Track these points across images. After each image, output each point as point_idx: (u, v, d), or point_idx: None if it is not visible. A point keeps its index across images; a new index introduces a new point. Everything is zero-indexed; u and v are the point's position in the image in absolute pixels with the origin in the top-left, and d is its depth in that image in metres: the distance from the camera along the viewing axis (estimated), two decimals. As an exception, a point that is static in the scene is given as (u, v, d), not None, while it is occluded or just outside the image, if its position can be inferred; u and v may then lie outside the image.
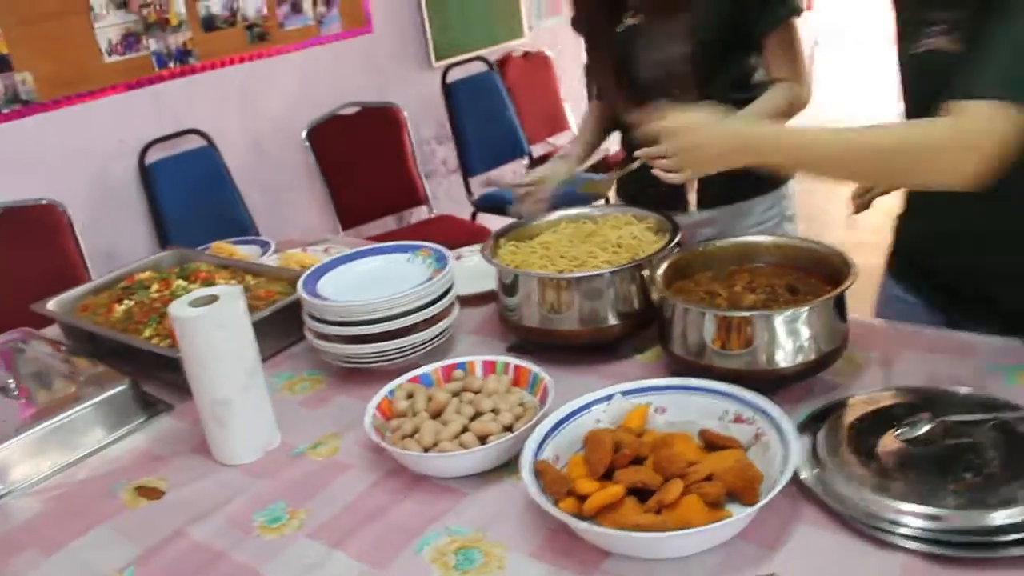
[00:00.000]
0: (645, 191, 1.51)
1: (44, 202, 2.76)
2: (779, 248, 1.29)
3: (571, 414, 1.07)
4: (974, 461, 0.92)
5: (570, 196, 1.63)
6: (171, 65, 3.04)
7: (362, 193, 3.52)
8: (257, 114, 3.34)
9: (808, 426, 1.04)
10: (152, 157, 3.03)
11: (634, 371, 1.28)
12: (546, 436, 1.03)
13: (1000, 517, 0.84)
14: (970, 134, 0.99)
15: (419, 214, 3.79)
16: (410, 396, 1.21)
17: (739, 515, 0.87)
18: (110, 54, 2.88)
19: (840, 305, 1.16)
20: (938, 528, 0.85)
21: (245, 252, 2.06)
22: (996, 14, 1.01)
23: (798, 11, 1.59)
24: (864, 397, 1.08)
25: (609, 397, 1.09)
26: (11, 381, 1.46)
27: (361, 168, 3.51)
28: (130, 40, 2.92)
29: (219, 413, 1.20)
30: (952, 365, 1.18)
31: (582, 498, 0.93)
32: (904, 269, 1.41)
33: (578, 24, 1.73)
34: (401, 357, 1.35)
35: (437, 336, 1.39)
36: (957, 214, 1.20)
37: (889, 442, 0.97)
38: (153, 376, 1.44)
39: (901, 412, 1.01)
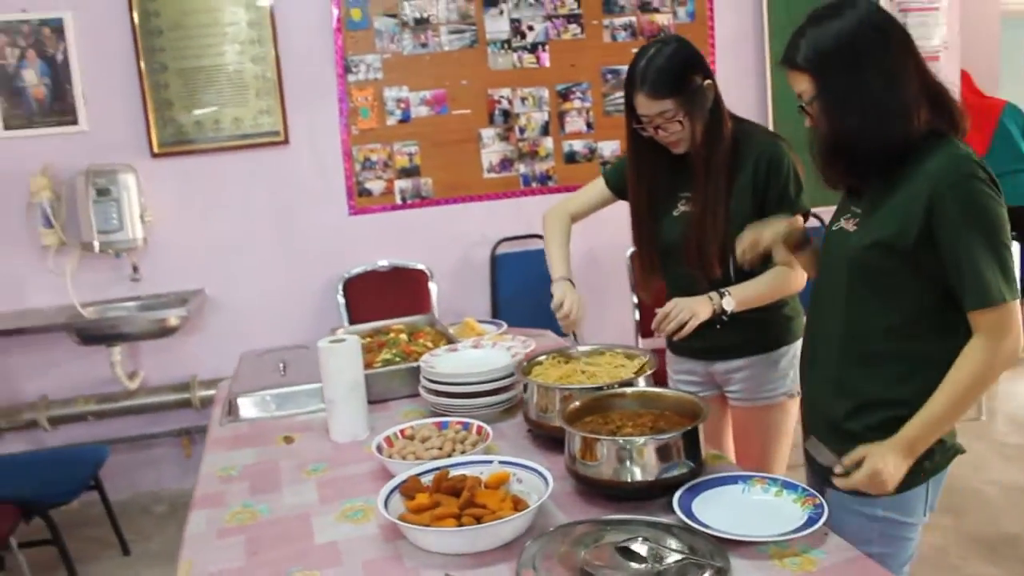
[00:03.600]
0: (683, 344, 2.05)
1: (420, 267, 3.94)
2: (677, 400, 1.73)
3: (463, 463, 1.67)
4: (640, 568, 1.33)
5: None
6: (533, 184, 4.05)
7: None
8: (595, 230, 4.15)
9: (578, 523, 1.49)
10: (502, 250, 4.05)
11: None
12: (437, 468, 1.65)
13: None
14: (1001, 337, 1.44)
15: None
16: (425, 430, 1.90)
17: (454, 528, 1.42)
18: (488, 171, 3.99)
19: (686, 446, 1.56)
20: None
21: (484, 328, 2.87)
22: (948, 234, 1.44)
23: (804, 211, 2.00)
24: (638, 519, 1.49)
25: (491, 462, 1.67)
26: (282, 364, 2.47)
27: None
28: (505, 163, 4.00)
29: (329, 408, 2.03)
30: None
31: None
32: None
33: (615, 192, 2.26)
34: (458, 411, 2.03)
35: (486, 406, 2.05)
36: None
37: (602, 546, 1.39)
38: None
39: (635, 533, 1.41)
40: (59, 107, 3.62)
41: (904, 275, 1.52)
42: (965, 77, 4.91)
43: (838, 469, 1.52)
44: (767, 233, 1.78)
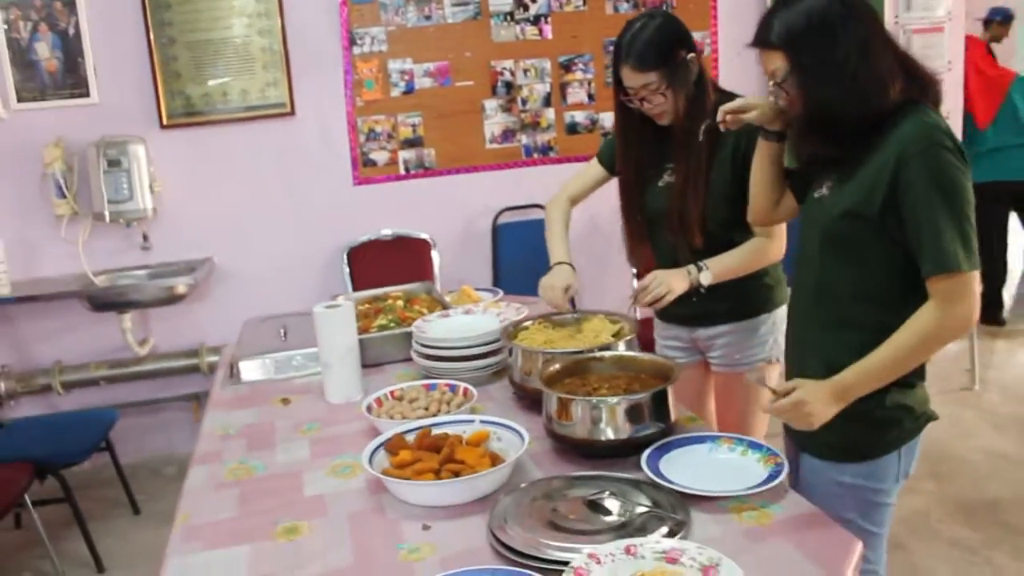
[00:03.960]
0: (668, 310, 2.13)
1: (423, 236, 4.02)
2: (652, 364, 1.80)
3: (447, 423, 1.76)
4: (605, 521, 1.40)
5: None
6: (535, 155, 4.11)
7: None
8: (598, 200, 4.21)
9: (551, 478, 1.58)
10: (504, 220, 4.12)
11: (549, 425, 1.87)
12: (422, 427, 1.73)
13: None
14: (954, 304, 1.47)
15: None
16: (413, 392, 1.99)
17: (432, 482, 1.51)
18: (491, 142, 4.05)
19: (654, 408, 1.64)
20: (506, 541, 1.36)
21: (481, 295, 2.94)
22: (910, 200, 1.47)
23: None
24: (608, 475, 1.57)
25: (473, 421, 1.75)
26: (282, 330, 2.56)
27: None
28: (507, 134, 4.05)
29: (325, 371, 2.11)
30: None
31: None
32: None
33: (607, 169, 2.31)
34: (449, 375, 2.11)
35: (474, 369, 2.13)
36: None
37: (569, 497, 1.48)
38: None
39: (604, 488, 1.49)
40: (71, 80, 3.70)
41: (872, 243, 1.56)
42: (978, 45, 4.89)
43: (770, 395, 1.57)
44: (754, 112, 1.76)
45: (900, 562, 2.67)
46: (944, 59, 4.26)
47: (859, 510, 1.63)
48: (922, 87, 1.58)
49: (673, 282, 2.01)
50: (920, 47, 4.18)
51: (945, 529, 2.87)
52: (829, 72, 1.52)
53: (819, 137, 1.60)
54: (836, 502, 1.59)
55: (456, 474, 1.55)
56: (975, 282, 1.49)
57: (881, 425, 1.60)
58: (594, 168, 2.38)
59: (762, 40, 1.61)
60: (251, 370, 2.34)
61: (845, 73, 1.51)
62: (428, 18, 3.91)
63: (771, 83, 1.62)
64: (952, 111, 4.32)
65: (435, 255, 4.03)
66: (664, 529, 1.37)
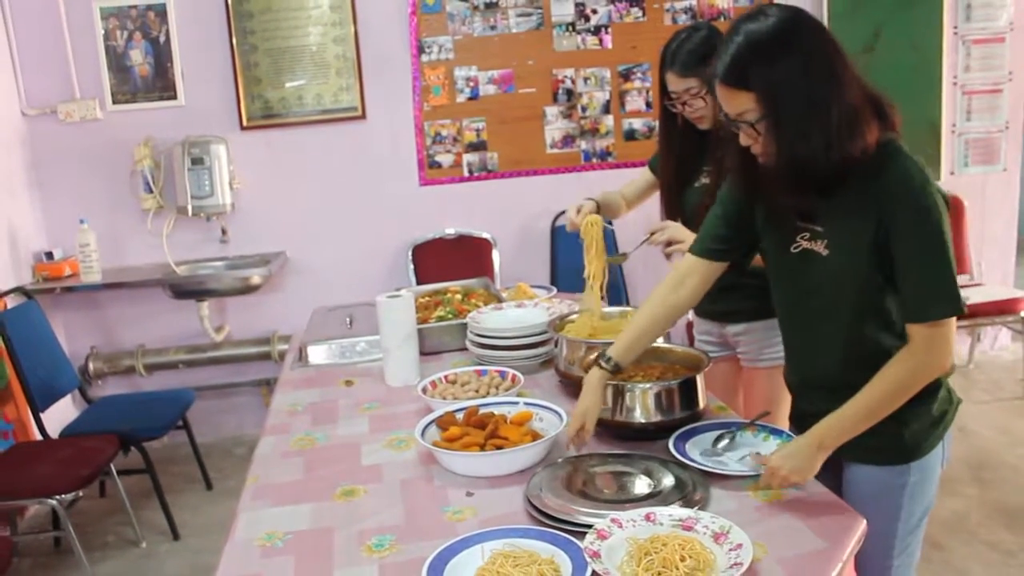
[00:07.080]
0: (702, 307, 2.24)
1: (485, 236, 4.19)
2: (685, 355, 1.93)
3: (494, 403, 1.91)
4: (631, 493, 1.54)
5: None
6: (594, 160, 4.24)
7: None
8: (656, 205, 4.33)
9: (585, 455, 1.72)
10: (562, 222, 4.25)
11: (590, 410, 2.01)
12: (469, 407, 1.89)
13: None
14: (934, 352, 1.48)
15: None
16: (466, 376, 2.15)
17: (477, 453, 1.66)
18: (551, 147, 4.20)
19: (683, 396, 1.77)
20: (540, 507, 1.51)
21: (535, 292, 3.09)
22: (903, 244, 1.46)
23: None
24: (638, 454, 1.70)
25: (517, 403, 1.90)
26: (349, 318, 2.75)
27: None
28: (567, 140, 4.20)
29: (385, 355, 2.29)
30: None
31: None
32: None
33: (657, 175, 2.45)
34: (500, 362, 2.27)
35: (523, 358, 2.28)
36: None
37: (600, 472, 1.62)
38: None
39: (632, 465, 1.63)
40: (160, 83, 3.99)
41: (891, 288, 1.53)
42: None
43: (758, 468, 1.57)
44: None
45: (936, 560, 2.73)
46: (1005, 70, 4.26)
47: (911, 506, 1.64)
48: (889, 120, 1.51)
49: (690, 238, 2.14)
50: (980, 57, 4.19)
51: (984, 532, 2.90)
52: (807, 117, 1.44)
53: (796, 188, 1.52)
54: (893, 503, 1.62)
55: (499, 448, 1.70)
56: (954, 328, 1.49)
57: (935, 420, 1.63)
58: (645, 175, 2.54)
59: (722, 75, 1.50)
60: (318, 354, 2.53)
61: (820, 107, 1.43)
62: (493, 28, 4.09)
63: (726, 117, 1.54)
64: (1012, 122, 4.32)
65: (496, 254, 4.20)
66: (683, 501, 1.50)
